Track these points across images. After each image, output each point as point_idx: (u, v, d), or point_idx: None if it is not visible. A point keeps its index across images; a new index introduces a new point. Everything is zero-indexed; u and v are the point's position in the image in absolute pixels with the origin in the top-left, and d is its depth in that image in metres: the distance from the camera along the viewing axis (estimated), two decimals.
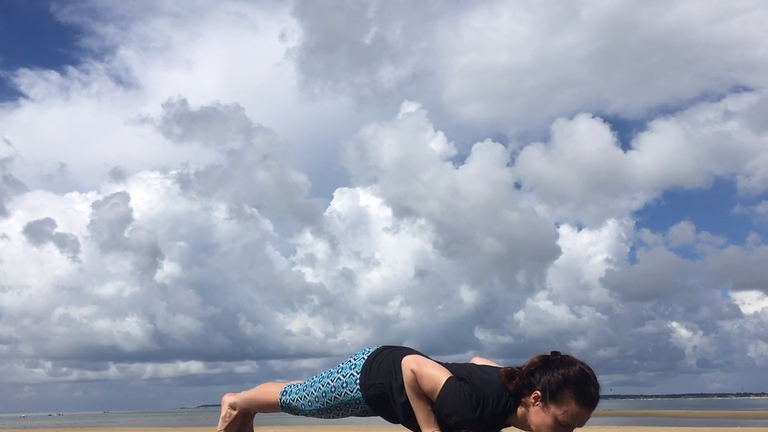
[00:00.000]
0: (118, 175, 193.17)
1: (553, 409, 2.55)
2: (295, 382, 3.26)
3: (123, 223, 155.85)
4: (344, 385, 2.97)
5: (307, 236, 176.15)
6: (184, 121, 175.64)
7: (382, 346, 3.05)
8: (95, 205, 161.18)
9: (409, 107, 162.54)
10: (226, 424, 3.40)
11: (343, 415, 3.09)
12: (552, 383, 2.56)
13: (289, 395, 3.18)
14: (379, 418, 3.05)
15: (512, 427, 2.75)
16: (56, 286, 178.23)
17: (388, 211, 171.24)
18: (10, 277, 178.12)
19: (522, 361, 2.76)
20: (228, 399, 3.42)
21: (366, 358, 2.99)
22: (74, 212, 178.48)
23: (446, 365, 2.81)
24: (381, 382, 2.89)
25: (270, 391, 3.28)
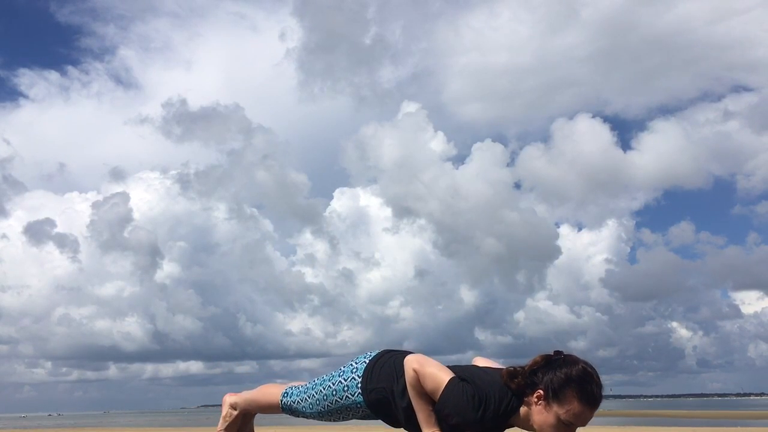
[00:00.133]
0: (117, 175, 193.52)
1: (555, 408, 2.55)
2: (296, 384, 3.25)
3: (123, 223, 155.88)
4: (345, 388, 2.97)
5: (307, 236, 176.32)
6: (184, 121, 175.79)
7: (384, 350, 3.04)
8: (95, 205, 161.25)
9: (409, 107, 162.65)
10: (227, 423, 3.39)
11: (344, 419, 3.09)
12: (554, 382, 2.56)
13: (290, 397, 3.18)
14: (380, 421, 3.04)
15: (515, 428, 2.75)
16: (56, 286, 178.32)
17: (388, 211, 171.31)
18: (10, 277, 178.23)
19: (522, 362, 2.76)
20: (229, 399, 3.42)
21: (367, 362, 2.98)
22: (74, 212, 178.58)
23: (448, 367, 2.80)
24: (382, 386, 2.88)
25: (271, 392, 3.28)
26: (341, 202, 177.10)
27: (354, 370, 2.98)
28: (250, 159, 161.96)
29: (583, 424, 2.59)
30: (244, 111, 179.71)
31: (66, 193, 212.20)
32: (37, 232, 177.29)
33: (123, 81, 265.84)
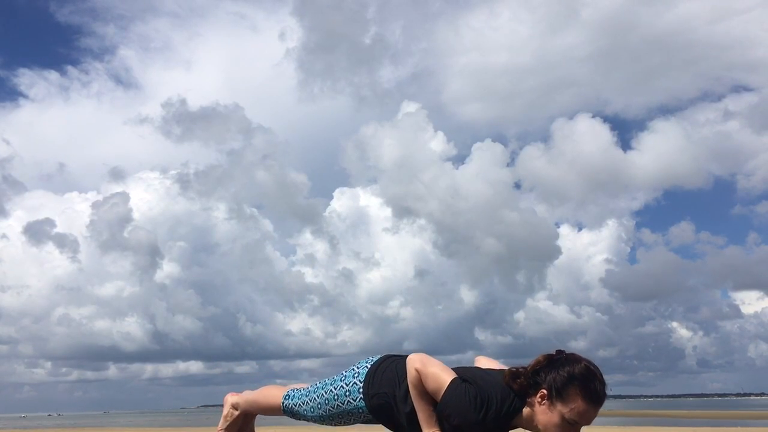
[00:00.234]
0: (117, 175, 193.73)
1: (559, 407, 2.54)
2: (298, 386, 3.23)
3: (122, 223, 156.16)
4: (347, 393, 2.96)
5: (307, 236, 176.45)
6: (184, 121, 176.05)
7: (385, 355, 3.03)
8: (95, 205, 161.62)
9: (409, 107, 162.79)
10: (227, 423, 3.39)
11: (346, 424, 3.07)
12: (558, 381, 2.55)
13: (292, 400, 3.17)
14: (381, 424, 3.03)
15: (519, 429, 2.74)
16: (56, 286, 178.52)
17: (388, 211, 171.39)
18: (10, 277, 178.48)
19: (523, 362, 2.75)
20: (230, 399, 3.41)
21: (369, 366, 2.97)
22: (74, 212, 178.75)
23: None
24: (384, 391, 2.87)
25: (273, 394, 3.26)
26: (341, 202, 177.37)
27: (356, 375, 2.97)
28: (249, 159, 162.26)
29: (588, 423, 2.57)
30: (244, 111, 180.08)
31: (66, 193, 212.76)
32: (37, 232, 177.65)
33: (123, 81, 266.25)
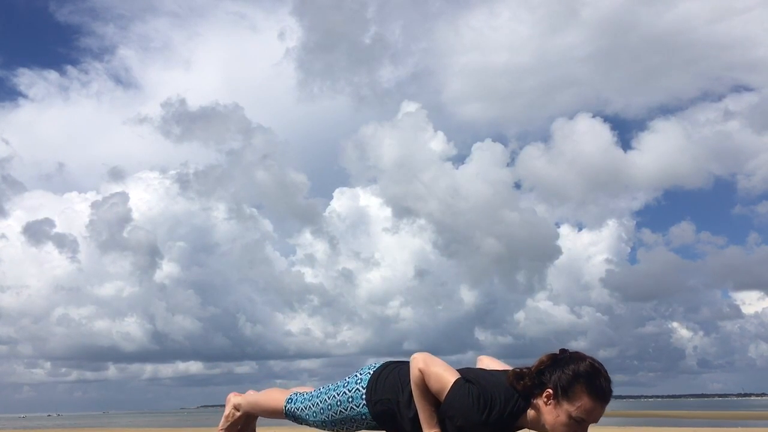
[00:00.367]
0: (117, 175, 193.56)
1: (566, 405, 2.52)
2: (301, 390, 3.21)
3: (122, 223, 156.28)
4: (350, 399, 2.94)
5: (307, 236, 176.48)
6: (183, 120, 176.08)
7: (388, 361, 3.02)
8: (94, 205, 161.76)
9: (409, 107, 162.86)
10: (228, 423, 3.38)
11: (348, 430, 3.05)
12: (563, 380, 2.53)
13: (294, 404, 3.15)
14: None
15: (524, 430, 2.71)
16: (55, 287, 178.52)
17: (387, 211, 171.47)
18: (9, 277, 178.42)
19: (523, 362, 2.73)
20: (233, 399, 3.40)
21: (372, 373, 2.96)
22: (73, 212, 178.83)
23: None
24: (387, 397, 2.86)
25: (275, 397, 3.25)
26: (341, 202, 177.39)
27: (359, 381, 2.96)
28: (249, 159, 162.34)
29: (596, 420, 2.55)
30: (244, 111, 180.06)
31: (65, 193, 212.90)
32: (36, 232, 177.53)
33: (122, 81, 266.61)
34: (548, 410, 2.55)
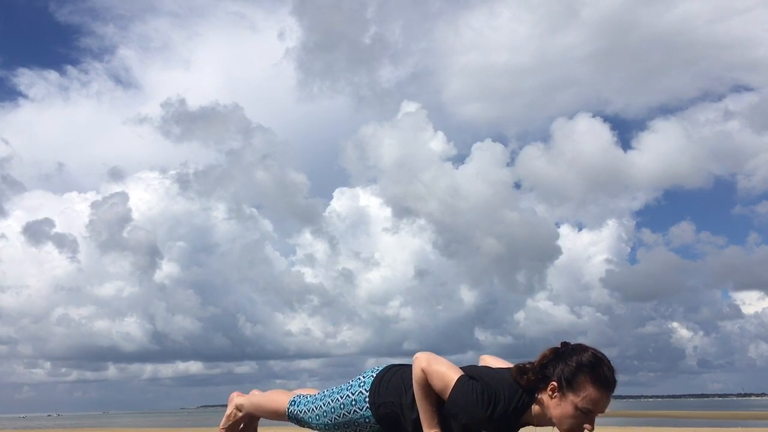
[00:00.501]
0: (116, 175, 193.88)
1: (571, 397, 2.52)
2: (304, 392, 3.21)
3: (122, 223, 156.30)
4: (353, 403, 2.94)
5: (307, 236, 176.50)
6: (183, 120, 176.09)
7: (391, 364, 3.03)
8: (94, 205, 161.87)
9: (409, 107, 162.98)
10: (229, 423, 3.38)
11: None
12: (566, 371, 2.54)
13: (297, 406, 3.14)
14: None
15: (529, 427, 2.71)
16: (55, 287, 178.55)
17: (387, 211, 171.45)
18: (9, 278, 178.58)
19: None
20: (236, 399, 3.40)
21: (375, 376, 2.96)
22: (73, 212, 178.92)
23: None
24: (391, 400, 2.86)
25: (278, 399, 3.24)
26: (341, 202, 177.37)
27: (362, 384, 2.96)
28: (249, 159, 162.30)
29: (602, 411, 2.54)
30: (243, 111, 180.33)
31: (65, 193, 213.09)
32: (36, 232, 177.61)
33: (122, 81, 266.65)
34: (554, 404, 2.55)
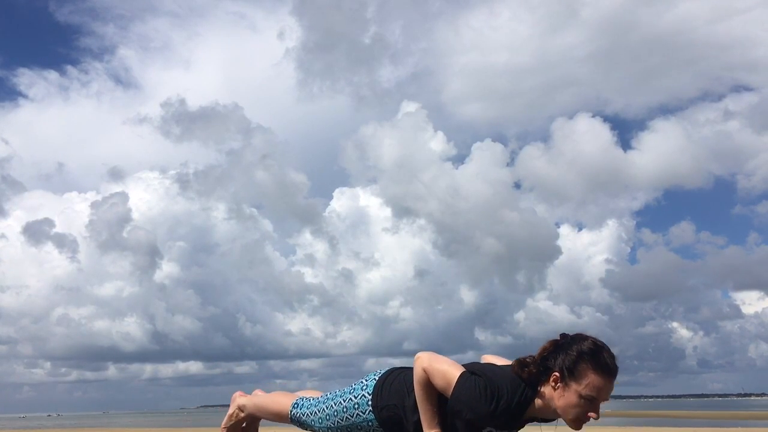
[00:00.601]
0: (116, 175, 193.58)
1: (574, 386, 2.53)
2: (307, 395, 3.22)
3: (122, 223, 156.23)
4: (356, 406, 2.95)
5: (307, 236, 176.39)
6: (183, 120, 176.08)
7: (393, 368, 3.04)
8: (94, 205, 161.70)
9: (409, 107, 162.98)
10: (231, 423, 3.39)
11: None
12: (567, 361, 2.55)
13: (300, 409, 3.15)
14: None
15: (535, 423, 2.73)
16: (55, 287, 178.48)
17: (387, 211, 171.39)
18: (9, 278, 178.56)
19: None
20: (239, 399, 3.41)
21: (377, 379, 2.97)
22: (73, 212, 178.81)
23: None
24: (393, 403, 2.87)
25: (281, 401, 3.25)
26: (341, 202, 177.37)
27: (364, 388, 2.97)
28: (249, 159, 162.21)
29: (606, 397, 2.56)
30: (243, 111, 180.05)
31: (65, 193, 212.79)
32: (36, 232, 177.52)
33: (122, 81, 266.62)
34: (557, 394, 2.56)
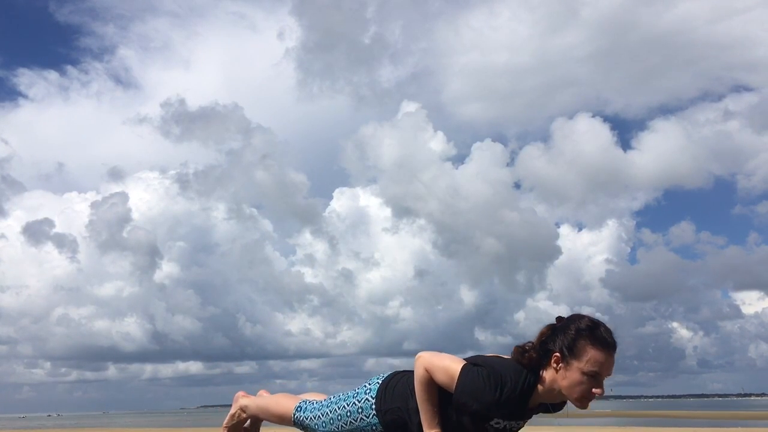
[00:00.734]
0: (116, 175, 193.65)
1: (575, 364, 2.55)
2: (311, 398, 3.22)
3: (122, 223, 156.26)
4: (360, 410, 2.96)
5: (307, 236, 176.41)
6: (183, 120, 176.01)
7: (395, 371, 3.04)
8: (94, 205, 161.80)
9: (409, 107, 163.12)
10: (233, 423, 3.40)
11: None
12: (566, 340, 2.58)
13: (303, 412, 3.15)
14: None
15: (542, 413, 2.74)
16: (55, 287, 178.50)
17: (387, 211, 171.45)
18: (9, 278, 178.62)
19: None
20: (241, 400, 3.41)
21: (380, 382, 2.98)
22: (73, 212, 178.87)
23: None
24: (397, 405, 2.88)
25: (284, 404, 3.25)
26: (341, 202, 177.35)
27: (368, 392, 2.98)
28: (249, 159, 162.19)
29: (608, 372, 2.57)
30: (243, 111, 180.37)
31: (65, 193, 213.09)
32: (36, 232, 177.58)
33: (122, 81, 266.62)
34: (560, 375, 2.57)
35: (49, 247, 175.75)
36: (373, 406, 2.92)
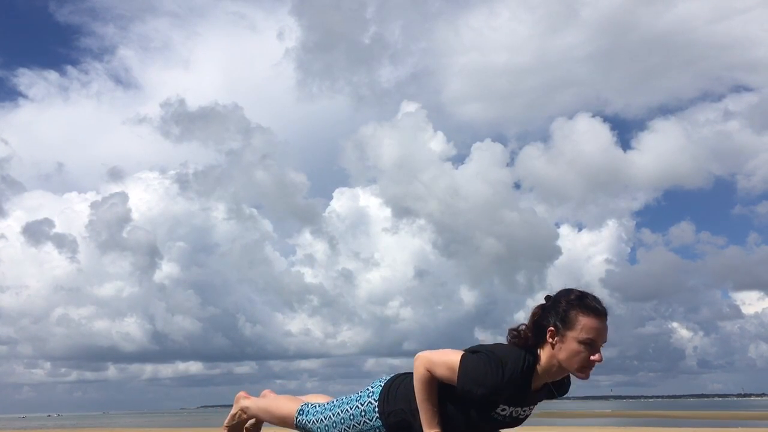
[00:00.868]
0: (116, 175, 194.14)
1: (570, 334, 2.57)
2: (313, 401, 3.22)
3: (121, 224, 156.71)
4: (363, 413, 2.96)
5: (307, 236, 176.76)
6: (183, 121, 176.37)
7: (397, 373, 3.04)
8: (94, 206, 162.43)
9: (409, 107, 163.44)
10: (233, 423, 3.40)
11: None
12: (558, 314, 2.61)
13: (306, 416, 3.14)
14: None
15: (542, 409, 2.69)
16: (55, 287, 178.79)
17: (387, 212, 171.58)
18: (9, 278, 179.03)
19: None
20: (243, 401, 3.40)
21: (383, 385, 2.98)
22: (73, 212, 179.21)
23: None
24: (400, 407, 2.87)
25: (286, 406, 3.24)
26: (341, 202, 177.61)
27: (370, 395, 2.98)
28: (249, 159, 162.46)
29: (603, 338, 2.60)
30: (243, 111, 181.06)
31: (65, 194, 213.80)
32: (36, 232, 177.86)
33: (122, 81, 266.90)
34: (557, 349, 2.60)
35: (49, 248, 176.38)
36: (377, 409, 2.92)
